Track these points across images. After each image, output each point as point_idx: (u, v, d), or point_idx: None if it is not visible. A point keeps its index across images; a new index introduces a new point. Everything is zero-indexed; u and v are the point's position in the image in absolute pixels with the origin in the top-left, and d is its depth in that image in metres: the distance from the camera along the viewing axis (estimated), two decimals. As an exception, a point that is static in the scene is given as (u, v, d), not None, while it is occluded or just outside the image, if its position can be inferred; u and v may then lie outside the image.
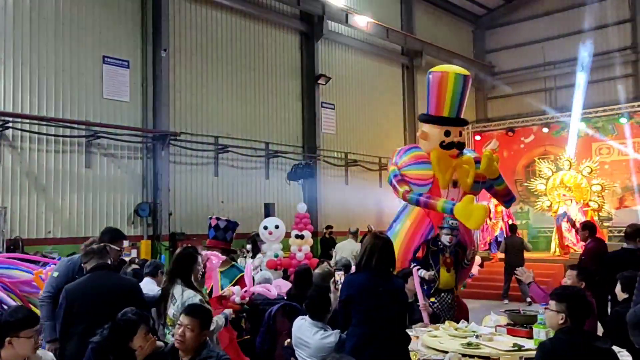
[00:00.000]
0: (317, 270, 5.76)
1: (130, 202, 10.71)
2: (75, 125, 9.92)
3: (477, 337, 3.89)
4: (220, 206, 12.24)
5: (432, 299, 5.54)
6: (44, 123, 9.50)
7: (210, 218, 5.13)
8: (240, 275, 4.70)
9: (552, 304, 2.77)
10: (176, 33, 11.47)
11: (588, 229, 6.70)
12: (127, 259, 9.74)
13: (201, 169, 11.99)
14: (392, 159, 6.44)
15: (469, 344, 3.68)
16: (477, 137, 17.34)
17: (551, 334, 3.29)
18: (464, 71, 6.35)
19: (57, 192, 9.72)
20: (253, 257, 9.58)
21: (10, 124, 9.12)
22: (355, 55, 15.62)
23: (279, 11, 13.67)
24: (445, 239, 5.73)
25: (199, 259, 3.77)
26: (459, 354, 3.49)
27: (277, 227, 11.18)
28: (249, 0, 12.91)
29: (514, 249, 10.69)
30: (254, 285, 4.81)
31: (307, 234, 11.20)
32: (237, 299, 4.48)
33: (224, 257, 4.98)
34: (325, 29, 14.28)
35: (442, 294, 5.64)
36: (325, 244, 12.78)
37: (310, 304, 3.49)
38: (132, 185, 10.78)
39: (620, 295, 3.89)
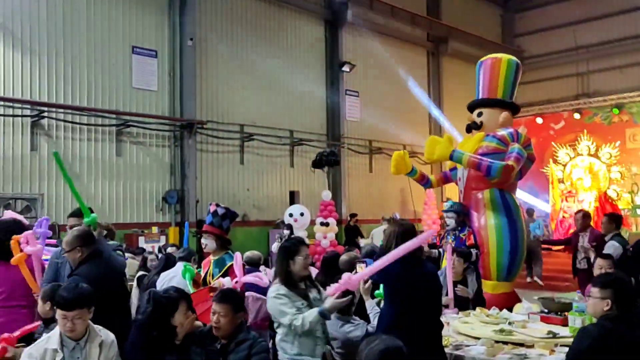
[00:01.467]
0: (344, 257, 5.73)
1: (159, 190, 10.90)
2: (107, 115, 10.10)
3: (509, 324, 3.87)
4: (246, 194, 12.37)
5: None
6: (77, 112, 9.71)
7: (211, 204, 5.11)
8: (230, 264, 4.62)
9: (596, 290, 2.74)
10: (202, 22, 11.53)
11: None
12: (156, 245, 10.01)
13: (227, 157, 12.10)
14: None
15: (501, 331, 3.67)
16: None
17: (587, 322, 3.26)
18: (512, 58, 6.79)
19: (90, 180, 9.94)
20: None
21: (45, 114, 9.34)
22: (379, 42, 15.46)
23: (303, -2, 13.62)
24: (448, 221, 5.90)
25: None
26: (492, 340, 3.48)
27: (302, 214, 11.28)
28: (274, -13, 12.91)
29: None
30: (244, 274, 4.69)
31: (332, 221, 11.27)
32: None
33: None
34: (350, 16, 14.18)
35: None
36: (350, 232, 12.81)
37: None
38: (160, 173, 10.96)
39: None
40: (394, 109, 15.55)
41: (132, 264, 7.68)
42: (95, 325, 2.78)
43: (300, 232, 10.23)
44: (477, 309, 4.37)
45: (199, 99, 11.39)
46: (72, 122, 9.70)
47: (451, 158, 6.18)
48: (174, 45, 11.19)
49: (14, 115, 9.07)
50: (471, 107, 6.98)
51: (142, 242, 9.94)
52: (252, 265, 6.27)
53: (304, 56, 13.69)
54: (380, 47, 15.49)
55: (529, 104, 17.78)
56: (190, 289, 4.25)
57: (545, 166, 13.75)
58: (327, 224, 11.14)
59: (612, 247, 5.94)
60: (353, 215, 13.11)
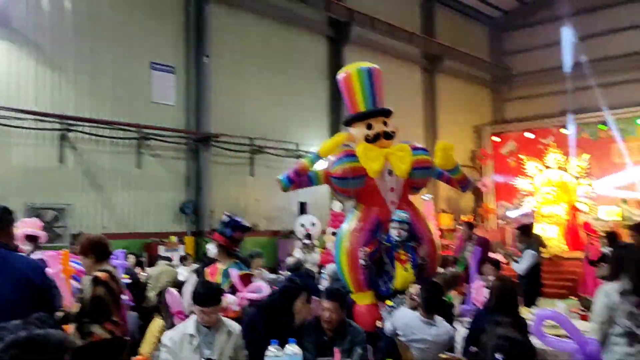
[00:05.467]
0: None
1: (175, 200, 11.29)
2: (128, 128, 10.50)
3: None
4: (256, 204, 12.81)
5: (390, 302, 5.00)
6: (101, 126, 10.08)
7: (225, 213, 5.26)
8: (243, 272, 4.70)
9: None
10: (217, 39, 12.02)
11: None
12: (176, 254, 10.39)
13: (238, 169, 12.55)
14: None
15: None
16: (496, 139, 17.92)
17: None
18: (366, 64, 6.27)
19: (112, 191, 10.31)
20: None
21: (72, 127, 9.70)
22: (379, 60, 16.08)
23: (308, 17, 14.21)
24: (393, 233, 5.42)
25: None
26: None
27: (313, 224, 11.81)
28: (281, 6, 13.45)
29: None
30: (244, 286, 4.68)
31: (343, 231, 11.80)
32: (235, 307, 4.44)
33: None
34: (352, 34, 14.83)
35: (401, 296, 4.96)
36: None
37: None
38: (177, 184, 11.37)
39: None
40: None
41: (167, 270, 8.12)
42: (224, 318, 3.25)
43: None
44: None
45: (213, 113, 11.85)
46: (96, 135, 10.07)
47: (456, 167, 6.24)
48: (190, 62, 11.66)
49: (44, 129, 9.42)
50: (358, 118, 6.23)
51: (162, 251, 10.31)
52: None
53: (310, 72, 14.26)
54: (380, 64, 16.07)
55: (518, 120, 18.66)
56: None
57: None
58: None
59: (530, 255, 6.87)
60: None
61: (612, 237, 7.93)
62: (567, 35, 18.06)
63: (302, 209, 12.77)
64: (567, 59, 17.92)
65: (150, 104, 10.96)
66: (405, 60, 17.03)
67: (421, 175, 6.05)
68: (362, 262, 5.42)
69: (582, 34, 17.61)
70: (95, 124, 10.01)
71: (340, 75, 6.29)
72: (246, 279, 4.77)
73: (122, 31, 10.61)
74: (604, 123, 14.17)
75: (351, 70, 6.23)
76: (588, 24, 17.60)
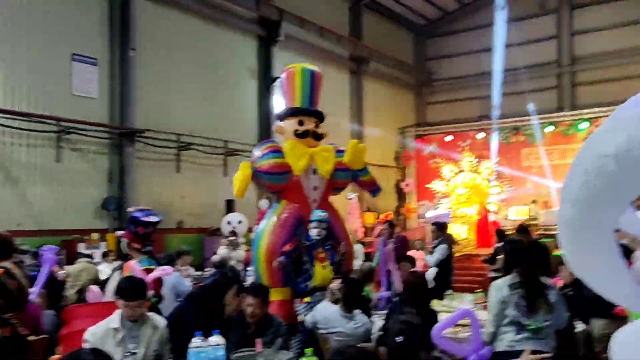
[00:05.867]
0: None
1: (98, 196, 10.98)
2: (46, 120, 10.08)
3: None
4: (182, 202, 12.68)
5: (307, 299, 5.24)
6: (17, 117, 9.62)
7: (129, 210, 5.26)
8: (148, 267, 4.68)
9: None
10: (143, 33, 11.78)
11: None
12: (97, 251, 10.12)
13: (164, 165, 12.37)
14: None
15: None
16: (419, 141, 18.69)
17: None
18: (311, 66, 6.50)
19: (28, 186, 9.87)
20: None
21: (-16, 118, 9.21)
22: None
23: (239, 15, 14.20)
24: (313, 232, 5.54)
25: None
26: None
27: (240, 222, 11.85)
28: (211, 3, 13.38)
29: None
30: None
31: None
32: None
33: None
34: (282, 34, 14.97)
35: (319, 293, 5.22)
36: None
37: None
38: (99, 180, 11.06)
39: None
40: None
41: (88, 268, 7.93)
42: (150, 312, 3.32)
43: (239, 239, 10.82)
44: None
45: (138, 108, 11.61)
46: (11, 127, 9.61)
47: (365, 169, 6.45)
48: (115, 54, 11.35)
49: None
50: (292, 113, 6.35)
51: (82, 248, 10.01)
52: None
53: (239, 70, 14.27)
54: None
55: (438, 123, 19.57)
56: None
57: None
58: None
59: (441, 249, 7.61)
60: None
61: (500, 233, 8.73)
62: (486, 44, 19.13)
63: (230, 206, 12.77)
64: (486, 67, 19.00)
65: (71, 97, 10.58)
66: (333, 61, 17.37)
67: (343, 176, 6.27)
68: (276, 264, 5.56)
69: (499, 45, 18.72)
70: (10, 116, 9.54)
71: (285, 71, 6.46)
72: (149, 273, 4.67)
73: (41, 20, 10.16)
74: (515, 128, 15.17)
75: (296, 68, 6.44)
76: (507, 35, 18.70)
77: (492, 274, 7.01)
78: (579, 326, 4.53)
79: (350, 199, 14.44)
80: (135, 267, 4.64)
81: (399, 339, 2.27)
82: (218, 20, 13.64)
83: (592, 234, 1.39)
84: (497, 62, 16.61)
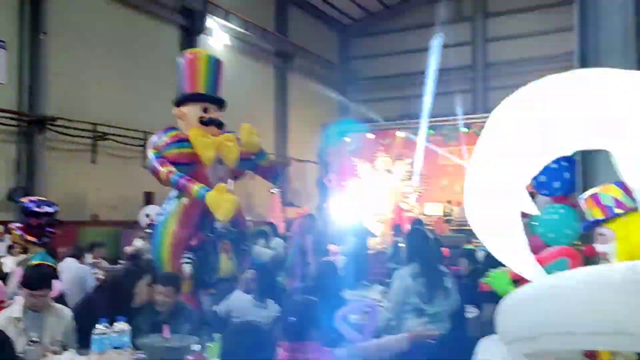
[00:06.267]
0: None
1: (3, 187, 10.37)
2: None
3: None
4: (97, 194, 12.23)
5: (213, 291, 5.18)
6: None
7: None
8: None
9: None
10: (56, 17, 11.23)
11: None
12: (3, 244, 9.56)
13: (78, 156, 11.88)
14: (149, 144, 5.97)
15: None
16: (342, 138, 19.01)
17: None
18: (215, 55, 6.32)
19: None
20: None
21: None
22: (232, 53, 16.25)
23: (160, 3, 13.85)
24: (219, 224, 5.39)
25: None
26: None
27: (159, 214, 11.59)
28: (131, -10, 12.98)
29: None
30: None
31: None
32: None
33: None
34: (205, 25, 14.75)
35: (225, 284, 5.18)
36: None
37: None
38: (6, 170, 10.46)
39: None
40: (243, 120, 16.37)
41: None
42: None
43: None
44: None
45: (50, 95, 11.06)
46: None
47: (262, 152, 6.29)
48: (24, 38, 10.75)
49: None
50: (197, 98, 5.94)
51: (-16, 241, 9.43)
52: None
53: (161, 60, 13.88)
54: (233, 58, 16.26)
55: (362, 121, 20.01)
56: None
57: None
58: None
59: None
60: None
61: (397, 228, 9.24)
62: (408, 46, 19.84)
63: (148, 198, 12.47)
64: (407, 68, 19.71)
65: (-25, 80, 9.93)
66: (257, 56, 17.36)
67: (245, 166, 6.15)
68: (185, 265, 5.21)
69: (420, 47, 19.47)
70: None
71: (187, 55, 6.04)
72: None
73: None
74: (432, 128, 15.80)
75: (201, 53, 6.22)
76: (427, 38, 19.47)
77: (392, 265, 7.40)
78: (473, 311, 4.89)
79: (273, 193, 14.53)
80: (18, 272, 4.34)
81: (292, 319, 2.41)
82: (139, 7, 13.24)
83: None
84: (418, 64, 17.24)
